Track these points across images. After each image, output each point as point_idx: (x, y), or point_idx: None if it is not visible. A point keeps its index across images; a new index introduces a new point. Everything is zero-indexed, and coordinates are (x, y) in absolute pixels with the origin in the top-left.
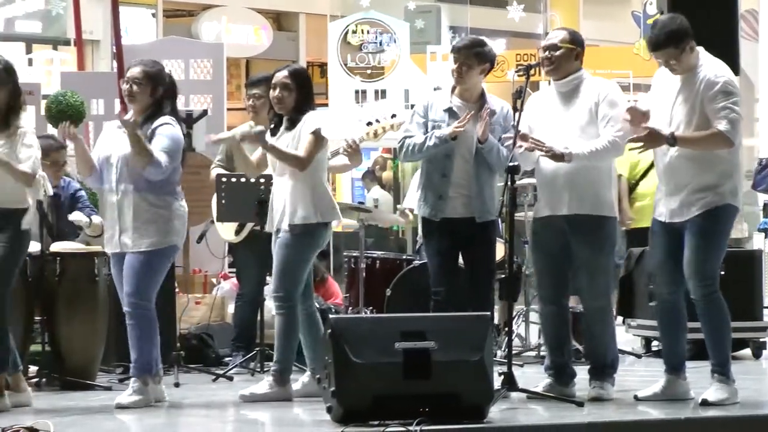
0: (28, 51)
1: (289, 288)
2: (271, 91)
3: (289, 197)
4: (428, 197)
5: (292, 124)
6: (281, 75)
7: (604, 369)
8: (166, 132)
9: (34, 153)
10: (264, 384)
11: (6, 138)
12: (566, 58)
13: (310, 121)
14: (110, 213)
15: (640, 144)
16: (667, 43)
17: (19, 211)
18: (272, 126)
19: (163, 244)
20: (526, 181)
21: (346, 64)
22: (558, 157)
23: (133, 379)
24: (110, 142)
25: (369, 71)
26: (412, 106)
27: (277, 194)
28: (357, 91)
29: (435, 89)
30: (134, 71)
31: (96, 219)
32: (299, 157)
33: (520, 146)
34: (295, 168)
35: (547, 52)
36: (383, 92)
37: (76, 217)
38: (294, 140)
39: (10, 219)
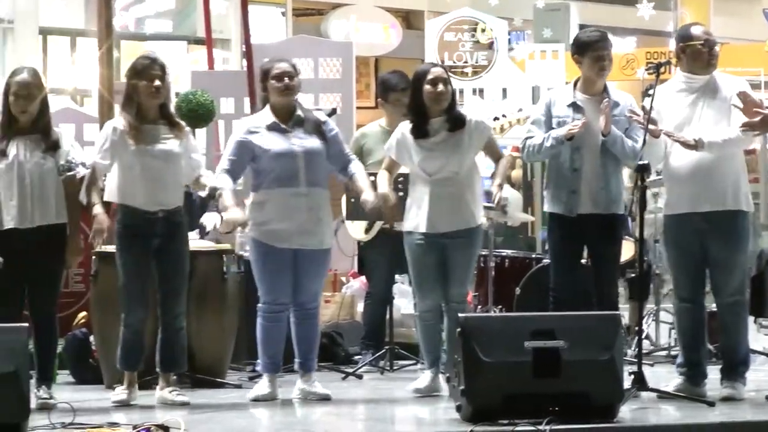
0: (159, 50)
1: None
2: (429, 86)
3: (468, 200)
4: (561, 193)
5: (455, 124)
6: (439, 71)
7: (736, 367)
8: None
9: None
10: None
11: (178, 137)
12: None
13: (485, 123)
14: (290, 212)
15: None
16: None
17: (181, 209)
18: (414, 127)
19: None
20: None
21: (443, 63)
22: (690, 145)
23: (313, 373)
24: (275, 141)
25: (465, 70)
26: (519, 109)
27: (440, 198)
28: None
29: (533, 88)
30: (285, 66)
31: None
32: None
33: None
34: None
35: (713, 49)
36: (481, 91)
37: (207, 219)
38: (466, 146)
39: (178, 216)
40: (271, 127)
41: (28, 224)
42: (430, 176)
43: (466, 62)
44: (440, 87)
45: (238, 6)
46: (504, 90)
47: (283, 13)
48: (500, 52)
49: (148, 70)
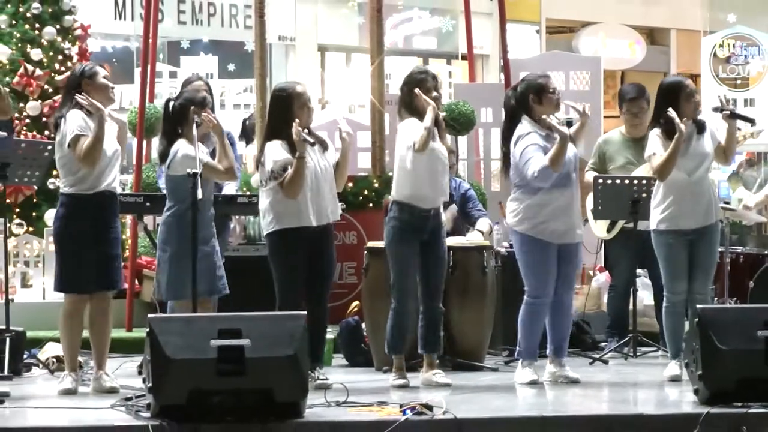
0: (425, 65)
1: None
2: (688, 100)
3: (715, 197)
4: None
5: (701, 128)
6: (692, 83)
7: None
8: None
9: None
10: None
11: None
12: None
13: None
14: (564, 211)
15: None
16: None
17: None
18: (666, 134)
19: None
20: None
21: (717, 76)
22: None
23: (563, 358)
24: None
25: (737, 81)
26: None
27: (697, 196)
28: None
29: None
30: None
31: (484, 220)
32: None
33: None
34: None
35: None
36: (751, 101)
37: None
38: (710, 148)
39: (440, 214)
40: (544, 136)
41: (324, 221)
42: (689, 176)
43: (738, 74)
44: (698, 97)
45: (497, 24)
46: None
47: (538, 31)
48: None
49: (431, 81)
